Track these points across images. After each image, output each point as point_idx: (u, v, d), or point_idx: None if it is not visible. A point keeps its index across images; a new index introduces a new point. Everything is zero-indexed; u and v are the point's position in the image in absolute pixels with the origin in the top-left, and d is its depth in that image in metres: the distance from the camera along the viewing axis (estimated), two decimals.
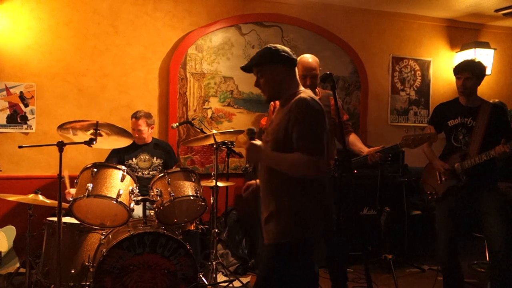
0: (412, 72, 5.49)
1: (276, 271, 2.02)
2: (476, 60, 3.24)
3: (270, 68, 2.09)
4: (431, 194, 3.22)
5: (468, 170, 3.03)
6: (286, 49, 2.11)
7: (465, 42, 5.59)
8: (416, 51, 5.53)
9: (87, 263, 3.09)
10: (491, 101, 4.08)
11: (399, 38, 5.47)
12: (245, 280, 3.97)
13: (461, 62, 3.18)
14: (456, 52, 5.61)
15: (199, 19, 4.63)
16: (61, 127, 2.97)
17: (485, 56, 5.40)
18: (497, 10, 5.20)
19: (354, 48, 5.18)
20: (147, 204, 3.23)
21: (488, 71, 5.42)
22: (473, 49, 5.39)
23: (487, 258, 4.28)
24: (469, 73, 3.07)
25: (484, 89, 5.67)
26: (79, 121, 3.00)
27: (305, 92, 2.03)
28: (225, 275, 3.94)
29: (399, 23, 5.45)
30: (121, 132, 3.09)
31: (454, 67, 3.18)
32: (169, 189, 3.07)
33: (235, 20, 4.72)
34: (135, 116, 3.88)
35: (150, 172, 3.86)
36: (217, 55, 4.62)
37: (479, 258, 4.40)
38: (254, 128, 2.19)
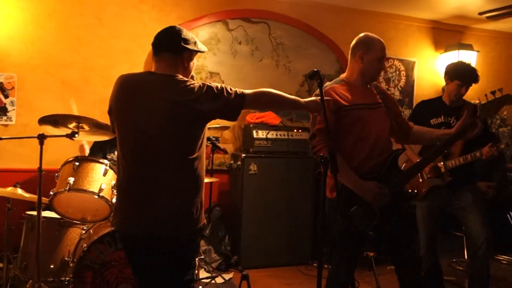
0: (397, 72, 5.54)
1: None
2: (473, 68, 3.20)
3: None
4: (412, 193, 3.23)
5: (451, 170, 3.07)
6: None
7: (449, 43, 5.65)
8: (401, 52, 5.57)
9: (67, 258, 3.06)
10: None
11: (385, 38, 5.38)
12: (227, 276, 3.97)
13: (462, 69, 3.12)
14: (440, 53, 5.67)
15: (186, 14, 4.59)
16: (42, 120, 2.91)
17: (468, 58, 5.46)
18: (481, 13, 5.27)
19: (340, 46, 5.19)
20: None
21: None
22: (456, 51, 5.45)
23: (466, 256, 4.37)
24: (469, 83, 3.10)
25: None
26: (61, 115, 2.93)
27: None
28: (208, 271, 3.92)
29: (385, 23, 5.48)
30: (104, 127, 3.05)
31: (450, 70, 3.16)
32: None
33: (222, 15, 4.69)
34: None
35: None
36: None
37: (457, 256, 4.47)
38: None
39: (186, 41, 2.05)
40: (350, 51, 2.63)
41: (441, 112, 3.16)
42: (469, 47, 5.55)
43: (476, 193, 3.15)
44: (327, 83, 2.59)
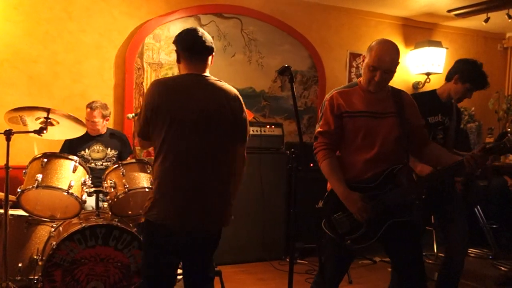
0: None
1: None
2: (486, 74, 2.96)
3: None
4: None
5: None
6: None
7: (419, 40, 5.76)
8: None
9: (35, 257, 3.00)
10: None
11: (357, 34, 5.56)
12: None
13: (479, 75, 2.90)
14: (410, 50, 5.77)
15: (157, 8, 4.54)
16: (10, 113, 2.83)
17: (437, 55, 5.59)
18: (449, 11, 5.38)
19: (312, 43, 5.23)
20: (100, 195, 3.15)
21: (440, 70, 5.62)
22: (426, 48, 5.56)
23: (435, 250, 4.48)
24: (480, 89, 2.94)
25: (437, 87, 5.87)
26: (29, 107, 2.86)
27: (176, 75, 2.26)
28: (180, 268, 3.89)
29: (357, 20, 5.54)
30: (74, 121, 3.00)
31: (465, 72, 2.90)
32: (123, 180, 3.00)
33: (194, 10, 4.66)
34: (90, 106, 3.75)
35: (104, 163, 3.76)
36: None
37: (426, 250, 4.58)
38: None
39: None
40: None
41: (438, 110, 2.94)
42: (438, 44, 5.67)
43: (460, 197, 3.02)
44: (341, 86, 2.49)
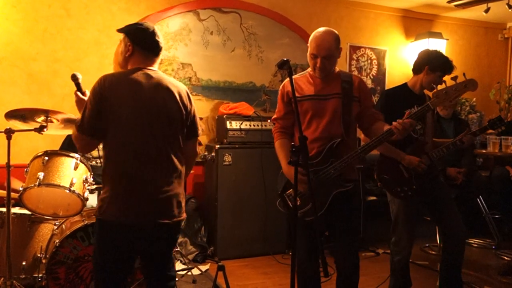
0: (369, 61, 5.59)
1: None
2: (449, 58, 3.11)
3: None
4: (402, 191, 3.00)
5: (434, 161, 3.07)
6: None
7: (419, 32, 5.74)
8: (373, 40, 5.63)
9: (39, 255, 3.01)
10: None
11: (356, 27, 5.54)
12: (203, 267, 3.97)
13: (445, 60, 3.03)
14: (411, 42, 5.75)
15: (156, 4, 4.52)
16: (9, 114, 2.83)
17: (438, 46, 5.56)
18: (449, 1, 5.36)
19: None
20: None
21: None
22: (426, 39, 5.54)
23: (438, 241, 4.48)
24: (448, 74, 3.02)
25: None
26: (28, 109, 2.86)
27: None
28: (184, 263, 3.92)
29: (357, 12, 5.52)
30: (75, 121, 2.99)
31: (432, 61, 3.02)
32: None
33: (193, 5, 4.64)
34: None
35: None
36: (175, 41, 4.54)
37: (430, 241, 4.59)
38: (78, 73, 2.38)
39: None
40: None
41: (414, 102, 3.01)
42: (438, 35, 5.64)
43: (444, 183, 3.15)
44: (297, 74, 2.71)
